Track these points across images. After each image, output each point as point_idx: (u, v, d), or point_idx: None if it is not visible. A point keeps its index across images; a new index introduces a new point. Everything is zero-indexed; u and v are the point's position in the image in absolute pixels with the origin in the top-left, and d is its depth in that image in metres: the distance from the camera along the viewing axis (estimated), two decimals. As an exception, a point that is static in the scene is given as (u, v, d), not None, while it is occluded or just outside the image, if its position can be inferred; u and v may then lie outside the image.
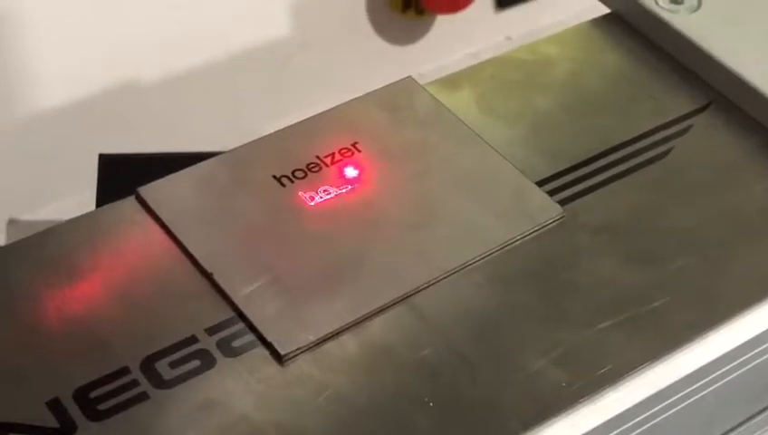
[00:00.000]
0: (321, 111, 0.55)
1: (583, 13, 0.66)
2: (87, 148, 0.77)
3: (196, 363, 0.45)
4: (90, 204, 0.73)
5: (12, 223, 0.80)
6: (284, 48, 0.90)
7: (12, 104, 0.80)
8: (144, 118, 0.84)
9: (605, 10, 0.62)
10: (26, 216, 0.81)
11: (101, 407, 0.44)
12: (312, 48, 0.91)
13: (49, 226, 0.50)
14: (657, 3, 0.60)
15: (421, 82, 0.57)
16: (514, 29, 1.00)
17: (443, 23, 0.97)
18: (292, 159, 0.53)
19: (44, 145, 0.81)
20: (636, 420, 0.46)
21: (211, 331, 0.46)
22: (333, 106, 0.56)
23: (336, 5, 0.92)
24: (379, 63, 0.94)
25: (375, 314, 0.48)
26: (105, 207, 0.51)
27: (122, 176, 0.75)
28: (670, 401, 0.47)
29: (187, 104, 0.86)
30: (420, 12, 0.96)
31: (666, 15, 0.59)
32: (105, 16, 0.81)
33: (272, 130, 0.54)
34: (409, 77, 0.58)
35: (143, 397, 0.44)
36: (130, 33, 0.82)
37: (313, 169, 0.52)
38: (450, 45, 0.97)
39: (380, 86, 0.56)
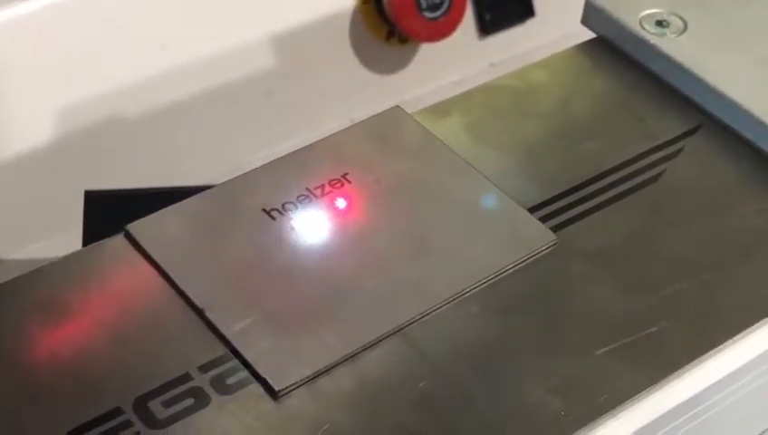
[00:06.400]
0: (306, 141, 0.55)
1: (565, 38, 0.66)
2: (72, 184, 0.77)
3: (189, 402, 0.45)
4: (76, 241, 0.72)
5: (-3, 262, 0.80)
6: (268, 80, 0.89)
7: (-5, 142, 0.79)
8: (130, 154, 0.84)
9: (586, 35, 0.62)
10: (11, 255, 0.80)
11: (94, 449, 0.43)
12: (296, 79, 0.91)
13: (35, 264, 0.49)
14: (642, 27, 0.60)
15: (406, 110, 0.56)
16: (497, 55, 0.99)
17: (426, 51, 0.96)
18: (282, 192, 0.52)
19: (29, 182, 0.80)
20: (636, 447, 0.46)
21: (204, 368, 0.46)
22: (320, 137, 0.55)
23: (318, 36, 0.91)
24: (364, 92, 0.93)
25: (370, 346, 0.47)
26: (93, 245, 0.50)
27: (109, 212, 0.74)
28: (670, 426, 0.47)
29: (173, 139, 0.86)
30: (403, 40, 0.95)
31: (652, 39, 0.59)
32: (89, 54, 0.81)
33: (258, 163, 0.53)
34: (397, 106, 0.57)
35: (137, 438, 0.43)
36: (115, 71, 0.82)
37: (303, 202, 0.52)
38: (434, 73, 0.97)
39: (365, 115, 0.56)
